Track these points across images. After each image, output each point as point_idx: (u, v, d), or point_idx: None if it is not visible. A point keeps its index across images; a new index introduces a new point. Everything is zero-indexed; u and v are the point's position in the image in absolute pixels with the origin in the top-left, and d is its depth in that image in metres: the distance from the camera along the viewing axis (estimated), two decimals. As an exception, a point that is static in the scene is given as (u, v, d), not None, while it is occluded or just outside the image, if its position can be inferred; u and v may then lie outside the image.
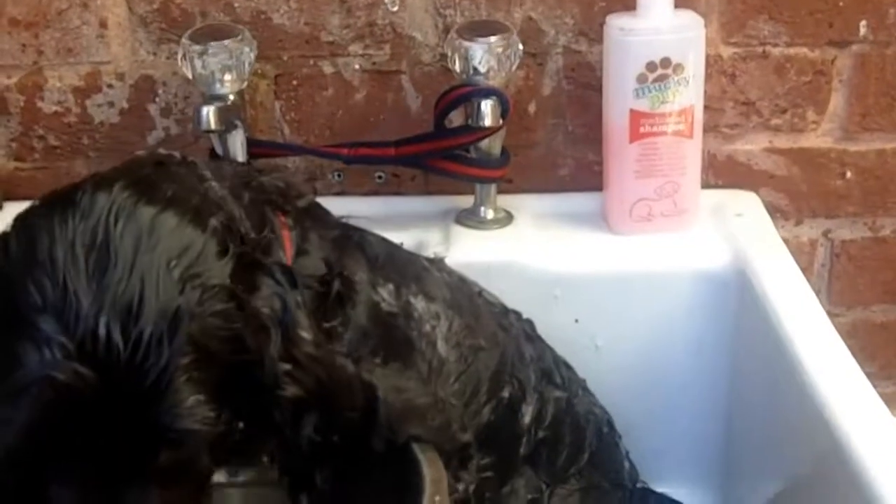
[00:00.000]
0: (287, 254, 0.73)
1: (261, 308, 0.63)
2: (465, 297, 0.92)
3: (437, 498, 0.67)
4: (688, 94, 1.08)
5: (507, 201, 1.16)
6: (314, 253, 0.76)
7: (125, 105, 1.17)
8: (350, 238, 0.82)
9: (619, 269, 1.09)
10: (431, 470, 0.69)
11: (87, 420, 0.57)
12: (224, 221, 0.65)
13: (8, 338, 0.58)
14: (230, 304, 0.61)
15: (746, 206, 1.18)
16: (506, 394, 0.90)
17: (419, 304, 0.84)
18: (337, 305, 0.75)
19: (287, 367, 0.63)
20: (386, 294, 0.81)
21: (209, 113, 1.04)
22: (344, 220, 0.83)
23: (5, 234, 0.62)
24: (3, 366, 0.57)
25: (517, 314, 0.99)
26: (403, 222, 1.11)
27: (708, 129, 1.16)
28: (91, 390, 0.56)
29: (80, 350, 0.56)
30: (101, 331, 0.56)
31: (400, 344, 0.81)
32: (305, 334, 0.65)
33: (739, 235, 1.11)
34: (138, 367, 0.57)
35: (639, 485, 1.04)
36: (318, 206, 0.82)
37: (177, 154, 0.73)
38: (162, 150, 0.77)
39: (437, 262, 0.94)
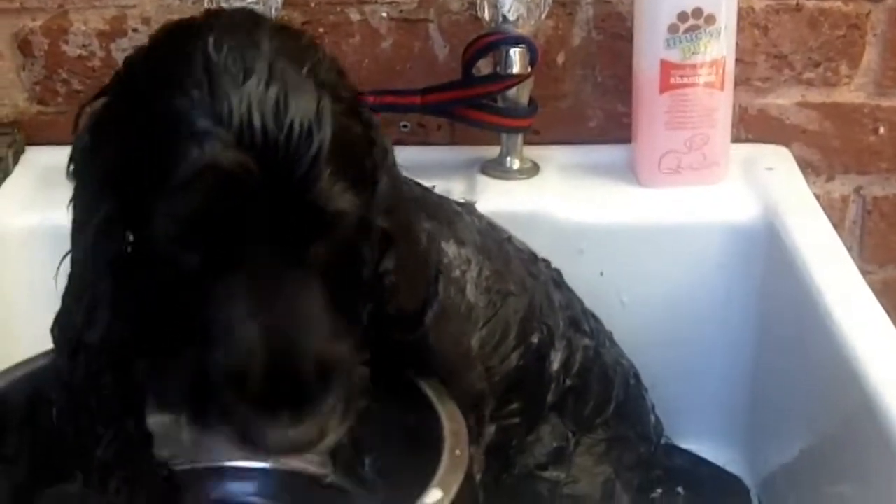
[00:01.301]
0: None
1: (376, 139, 0.68)
2: (494, 242, 0.92)
3: (457, 451, 0.66)
4: (719, 45, 1.07)
5: (534, 152, 1.15)
6: None
7: (149, 50, 1.16)
8: None
9: (646, 221, 1.08)
10: (451, 422, 0.69)
11: (251, 205, 0.60)
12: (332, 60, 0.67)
13: (166, 138, 0.61)
14: (353, 114, 0.65)
15: (777, 161, 1.16)
16: (534, 339, 0.90)
17: (450, 248, 0.84)
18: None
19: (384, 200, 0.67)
20: (424, 239, 0.81)
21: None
22: None
23: (146, 46, 0.66)
24: (165, 163, 0.60)
25: (546, 262, 0.99)
26: (428, 172, 1.09)
27: (740, 82, 1.14)
28: (252, 176, 0.59)
29: (239, 140, 0.59)
30: (256, 122, 0.60)
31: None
32: (400, 189, 0.70)
33: (770, 190, 1.10)
34: (293, 153, 0.60)
35: (663, 440, 1.03)
36: None
37: None
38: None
39: (468, 206, 0.93)
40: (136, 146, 0.62)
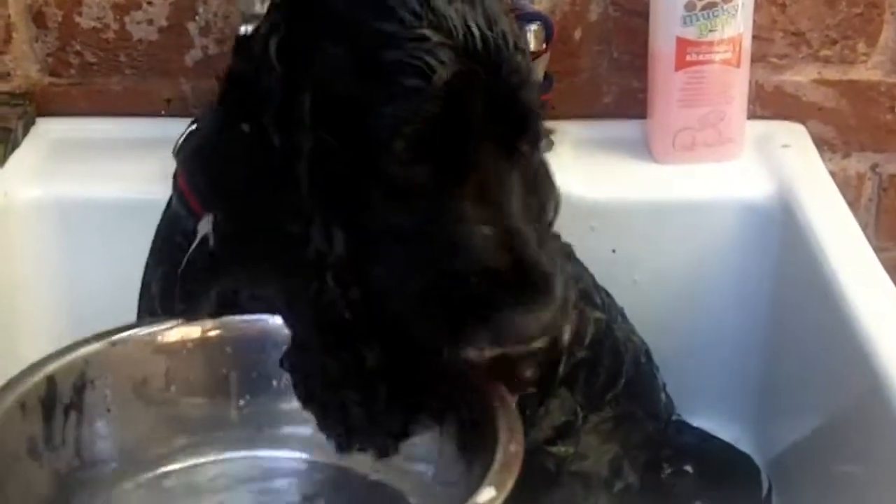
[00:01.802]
0: None
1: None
2: None
3: (512, 447, 0.65)
4: (736, 22, 1.06)
5: (549, 127, 1.14)
6: None
7: (164, 23, 1.15)
8: None
9: (660, 198, 1.08)
10: (506, 418, 0.67)
11: (477, 110, 0.65)
12: None
13: (388, 53, 0.65)
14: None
15: (793, 138, 1.16)
16: None
17: None
18: None
19: None
20: None
21: (248, 32, 1.03)
22: None
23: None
24: (389, 78, 0.65)
25: (557, 235, 0.98)
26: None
27: (756, 58, 1.13)
28: (480, 81, 0.65)
29: (465, 49, 0.65)
30: (476, 31, 0.65)
31: None
32: None
33: (785, 167, 1.09)
34: (509, 58, 0.66)
35: (673, 418, 1.03)
36: None
37: None
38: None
39: None
40: (344, 71, 0.66)
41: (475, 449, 0.67)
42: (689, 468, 1.02)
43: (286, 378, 0.72)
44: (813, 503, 0.97)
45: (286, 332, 0.70)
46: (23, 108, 1.15)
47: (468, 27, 0.65)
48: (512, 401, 0.70)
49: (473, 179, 0.66)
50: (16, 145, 1.12)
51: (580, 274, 0.97)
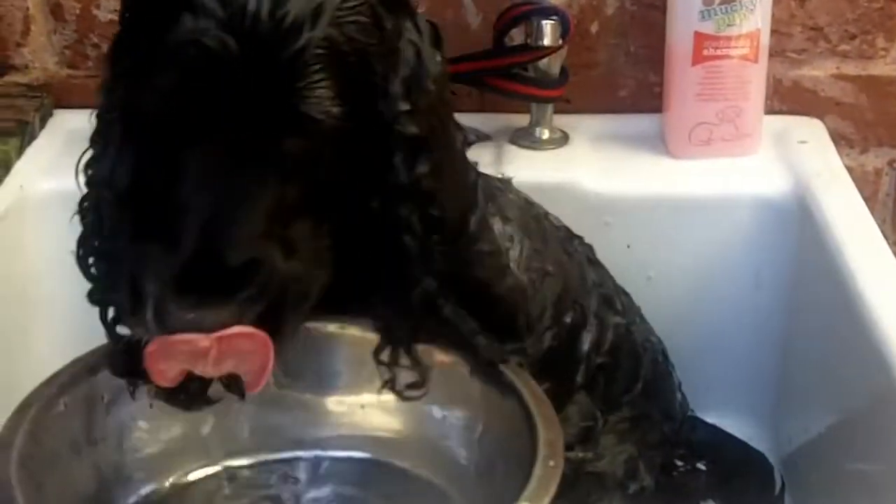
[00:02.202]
0: None
1: (396, 44, 0.65)
2: (533, 220, 0.91)
3: (551, 462, 0.63)
4: (754, 17, 1.05)
5: (564, 121, 1.14)
6: None
7: (179, 15, 1.15)
8: None
9: (675, 193, 1.07)
10: (547, 431, 0.66)
11: (226, 88, 0.60)
12: None
13: (167, 5, 0.61)
14: (370, 20, 0.63)
15: (811, 134, 1.15)
16: (568, 319, 0.90)
17: (496, 224, 0.83)
18: None
19: (407, 107, 0.65)
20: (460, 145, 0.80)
21: None
22: None
23: None
24: (158, 30, 0.61)
25: (580, 238, 0.98)
26: (457, 140, 1.09)
27: (774, 53, 1.12)
28: (233, 59, 0.60)
29: (230, 20, 0.60)
30: (251, 6, 0.60)
31: None
32: (432, 87, 0.66)
33: (802, 163, 1.08)
34: (278, 45, 0.60)
35: (688, 414, 1.03)
36: None
37: None
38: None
39: (507, 183, 0.92)
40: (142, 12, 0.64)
41: (515, 458, 0.66)
42: (702, 465, 1.01)
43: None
44: (826, 502, 0.97)
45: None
46: (40, 101, 1.15)
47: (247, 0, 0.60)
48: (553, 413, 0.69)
49: (198, 159, 0.62)
50: (33, 138, 1.12)
51: (602, 278, 0.97)
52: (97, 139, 0.70)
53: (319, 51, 0.61)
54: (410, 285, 0.68)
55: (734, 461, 1.04)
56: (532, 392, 0.70)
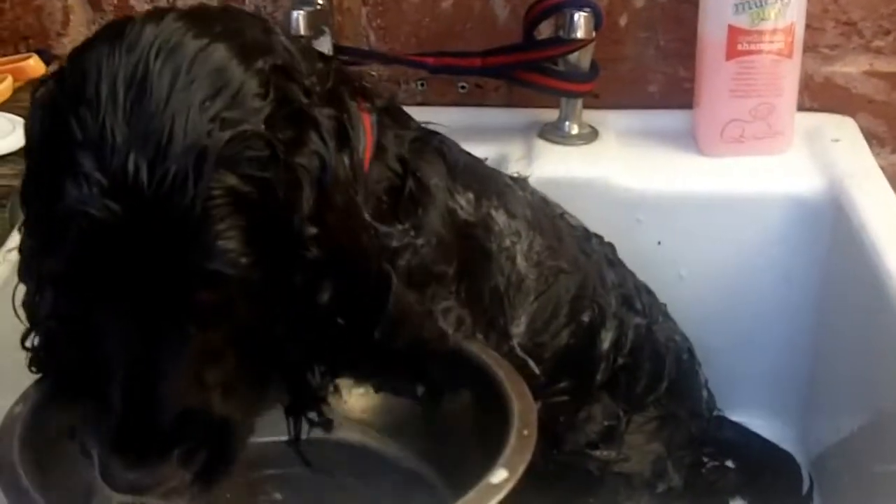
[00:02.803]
0: (368, 139, 0.71)
1: (298, 163, 0.61)
2: (547, 218, 0.90)
3: (525, 432, 0.65)
4: (790, 11, 1.04)
5: (593, 116, 1.13)
6: (390, 149, 0.74)
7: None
8: (429, 142, 0.80)
9: (706, 191, 1.06)
10: (520, 402, 0.67)
11: (121, 255, 0.58)
12: (276, 64, 0.62)
13: (53, 170, 0.59)
14: (264, 152, 0.60)
15: (843, 131, 1.13)
16: (585, 318, 0.89)
17: (500, 218, 0.82)
18: (410, 205, 0.74)
19: (314, 230, 0.62)
20: (464, 202, 0.79)
21: (299, 17, 1.04)
22: (424, 125, 0.81)
23: (63, 67, 0.63)
24: (49, 196, 0.59)
25: (599, 238, 0.97)
26: (485, 135, 1.09)
27: (806, 48, 1.11)
28: (121, 226, 0.57)
29: (113, 186, 0.57)
30: (130, 167, 0.57)
31: (476, 253, 0.80)
32: (339, 200, 0.64)
33: (835, 161, 1.07)
34: (164, 204, 0.57)
35: (715, 413, 1.03)
36: (399, 107, 0.80)
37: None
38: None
39: (520, 182, 0.91)
40: (40, 163, 0.62)
41: (489, 433, 0.67)
42: (730, 463, 1.01)
43: None
44: (855, 502, 0.96)
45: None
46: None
47: (126, 160, 0.57)
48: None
49: (112, 326, 0.60)
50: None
51: (623, 278, 0.96)
52: (23, 277, 0.68)
53: (214, 200, 0.58)
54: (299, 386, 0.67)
55: (761, 460, 1.03)
56: (503, 368, 0.71)
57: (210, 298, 0.60)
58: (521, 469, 0.62)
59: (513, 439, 0.64)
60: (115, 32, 0.61)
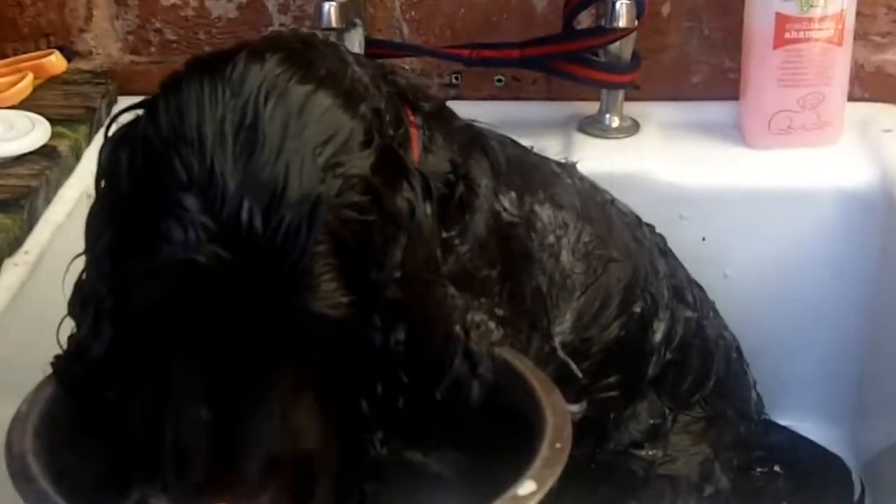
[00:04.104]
0: (415, 152, 0.72)
1: (397, 209, 0.62)
2: (596, 205, 0.89)
3: (558, 445, 0.63)
4: (840, -3, 1.01)
5: (634, 109, 1.11)
6: (440, 153, 0.74)
7: (243, 0, 1.14)
8: (476, 142, 0.79)
9: (753, 184, 1.04)
10: (554, 416, 0.65)
11: (224, 302, 0.57)
12: (374, 108, 0.64)
13: (153, 213, 0.58)
14: (367, 197, 0.60)
15: (895, 122, 1.10)
16: (637, 309, 0.87)
17: (545, 212, 0.81)
18: (458, 211, 0.74)
19: (398, 274, 0.62)
20: (507, 203, 0.79)
21: (330, 10, 1.03)
22: (470, 123, 0.81)
23: (154, 100, 0.61)
24: (148, 240, 0.58)
25: (650, 227, 0.95)
26: (523, 129, 1.05)
27: (856, 36, 1.08)
28: (230, 274, 0.56)
29: (223, 232, 0.56)
30: (244, 215, 0.56)
31: (518, 254, 0.79)
32: (422, 250, 0.64)
33: (888, 153, 1.05)
34: (277, 252, 0.57)
35: (763, 416, 1.00)
36: (446, 107, 0.80)
37: (318, 33, 0.71)
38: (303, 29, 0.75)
39: (568, 168, 0.90)
40: (130, 201, 0.60)
41: (521, 444, 0.66)
42: (778, 468, 0.99)
43: None
44: (910, 509, 0.94)
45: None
46: (105, 87, 1.15)
47: (240, 206, 0.56)
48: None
49: (201, 365, 0.59)
50: (100, 125, 1.11)
51: (674, 269, 0.95)
52: (72, 311, 0.66)
53: (321, 247, 0.57)
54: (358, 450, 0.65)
55: (811, 465, 1.01)
56: (539, 379, 0.69)
57: (309, 340, 0.59)
58: (550, 482, 0.61)
59: (544, 451, 0.63)
60: (211, 70, 0.60)
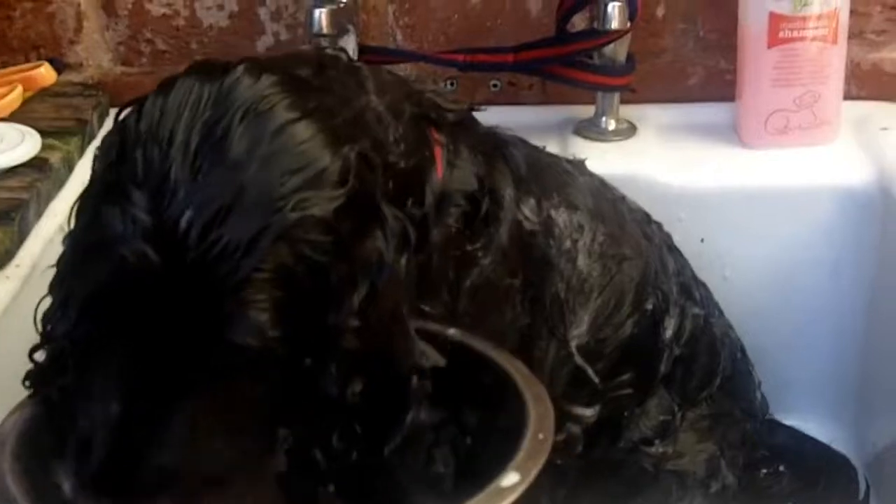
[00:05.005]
0: (439, 171, 0.71)
1: (358, 256, 0.60)
2: (608, 203, 0.89)
3: (541, 436, 0.63)
4: (833, -4, 1.01)
5: (631, 111, 1.11)
6: (465, 167, 0.74)
7: (235, 8, 1.14)
8: (498, 150, 0.79)
9: (751, 185, 1.03)
10: (537, 407, 0.66)
11: (148, 305, 0.56)
12: (361, 153, 0.61)
13: (102, 198, 0.58)
14: (327, 238, 0.58)
15: (892, 120, 1.10)
16: (649, 306, 0.87)
17: (561, 217, 0.81)
18: (483, 225, 0.74)
19: (357, 323, 0.60)
20: (528, 211, 0.79)
21: (322, 15, 1.03)
22: (492, 130, 0.82)
23: (149, 95, 0.61)
24: (90, 221, 0.59)
25: (658, 224, 0.95)
26: (520, 133, 1.03)
27: (852, 34, 1.08)
28: (155, 278, 0.56)
29: (157, 235, 0.56)
30: (183, 224, 0.56)
31: (537, 263, 0.80)
32: (388, 302, 0.62)
33: (885, 151, 1.04)
34: (205, 269, 0.56)
35: (767, 416, 1.00)
36: (469, 115, 0.80)
37: (343, 56, 0.71)
38: (329, 50, 0.75)
39: (579, 166, 0.90)
40: (97, 184, 0.61)
41: (504, 437, 0.66)
42: (783, 468, 0.98)
43: None
44: (915, 507, 0.93)
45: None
46: (96, 99, 1.14)
47: (181, 215, 0.55)
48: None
49: (120, 360, 0.57)
50: (92, 137, 1.11)
51: (682, 266, 0.94)
52: (52, 289, 0.65)
53: (259, 274, 0.56)
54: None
55: (816, 464, 1.00)
56: (520, 372, 0.69)
57: (228, 365, 0.57)
58: (533, 473, 0.61)
59: (527, 443, 0.63)
60: (207, 76, 0.60)
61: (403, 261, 0.63)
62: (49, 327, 0.65)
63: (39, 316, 0.66)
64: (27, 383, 0.67)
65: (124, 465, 0.57)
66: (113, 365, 0.58)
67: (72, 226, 0.64)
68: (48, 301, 0.66)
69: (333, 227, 0.58)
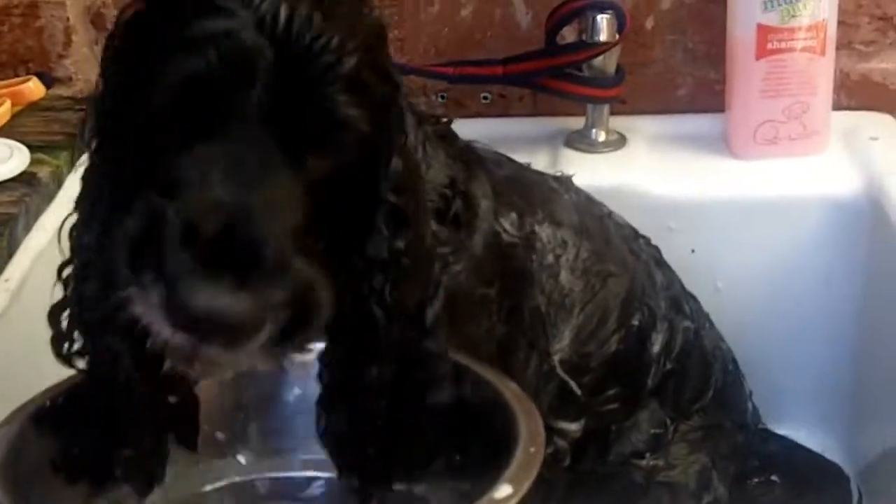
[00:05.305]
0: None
1: (400, 106, 0.64)
2: (594, 219, 0.89)
3: (532, 449, 0.64)
4: (820, 7, 1.02)
5: (621, 123, 1.12)
6: (439, 168, 0.75)
7: (224, 22, 1.14)
8: (478, 164, 0.80)
9: (741, 195, 1.04)
10: (528, 421, 0.67)
11: (255, 85, 0.57)
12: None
13: (193, 11, 0.59)
14: (383, 78, 0.62)
15: (882, 130, 1.11)
16: (635, 322, 0.88)
17: (544, 232, 0.82)
18: (453, 227, 0.74)
19: (398, 182, 0.63)
20: (508, 225, 0.79)
21: None
22: (470, 144, 0.82)
23: None
24: (181, 26, 0.59)
25: (646, 239, 0.95)
26: (510, 145, 1.05)
27: (841, 45, 1.09)
28: (266, 57, 0.57)
29: (260, 24, 0.58)
30: (283, 13, 0.58)
31: (517, 274, 0.80)
32: (416, 167, 0.67)
33: (874, 161, 1.05)
34: (313, 56, 0.58)
35: (759, 426, 1.00)
36: (450, 129, 0.81)
37: None
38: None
39: (565, 182, 0.91)
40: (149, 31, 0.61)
41: (496, 451, 0.67)
42: (776, 478, 0.98)
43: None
44: (908, 515, 0.93)
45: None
46: (85, 113, 1.14)
47: (278, 7, 0.58)
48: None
49: (221, 149, 0.57)
50: (81, 151, 1.11)
51: (670, 280, 0.95)
52: (83, 202, 0.66)
53: (351, 77, 0.59)
54: (367, 363, 0.64)
55: (808, 473, 1.00)
56: (510, 389, 0.70)
57: (326, 156, 0.59)
58: (525, 485, 0.62)
59: (519, 456, 0.64)
60: None
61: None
62: (75, 242, 0.65)
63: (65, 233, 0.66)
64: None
65: (246, 240, 0.55)
66: (217, 152, 0.57)
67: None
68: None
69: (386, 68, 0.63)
